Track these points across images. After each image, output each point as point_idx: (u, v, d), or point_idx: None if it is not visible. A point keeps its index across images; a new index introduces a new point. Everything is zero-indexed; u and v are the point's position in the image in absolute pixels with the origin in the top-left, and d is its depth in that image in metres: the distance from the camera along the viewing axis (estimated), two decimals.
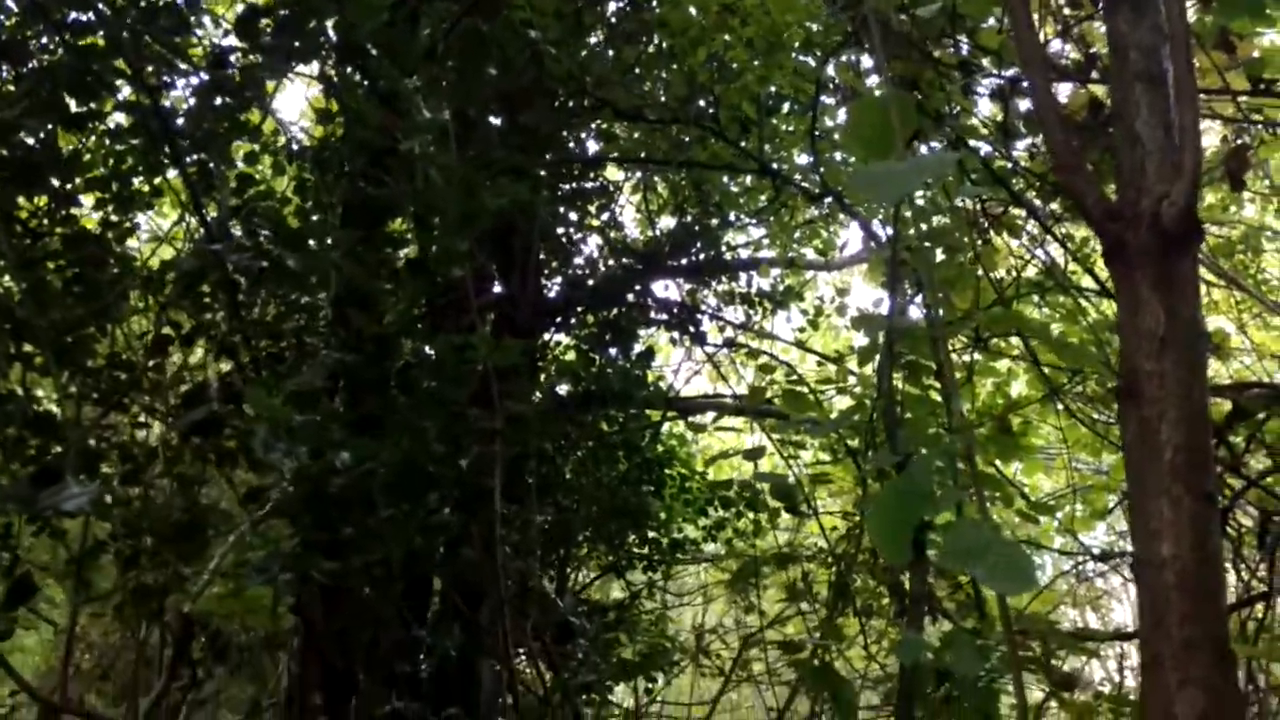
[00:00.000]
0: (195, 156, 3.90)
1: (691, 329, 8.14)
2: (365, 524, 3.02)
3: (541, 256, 7.72)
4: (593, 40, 6.27)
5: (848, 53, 5.35)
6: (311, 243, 3.03)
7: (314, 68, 4.54)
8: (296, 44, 4.08)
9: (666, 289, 8.41)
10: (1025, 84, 4.27)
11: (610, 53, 6.62)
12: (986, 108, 5.41)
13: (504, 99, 4.71)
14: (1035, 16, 4.21)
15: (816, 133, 5.43)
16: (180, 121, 4.17)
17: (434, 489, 3.19)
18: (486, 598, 3.93)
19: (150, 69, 3.84)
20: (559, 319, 7.90)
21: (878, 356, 4.79)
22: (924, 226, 4.86)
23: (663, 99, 6.42)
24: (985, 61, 4.42)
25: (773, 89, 6.79)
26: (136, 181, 4.56)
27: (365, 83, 3.71)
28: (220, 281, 3.09)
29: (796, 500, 3.41)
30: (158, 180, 4.53)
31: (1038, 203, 5.14)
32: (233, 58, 4.05)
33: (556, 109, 6.05)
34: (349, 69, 4.03)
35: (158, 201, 5.42)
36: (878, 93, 6.35)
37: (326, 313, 3.25)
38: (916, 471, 3.24)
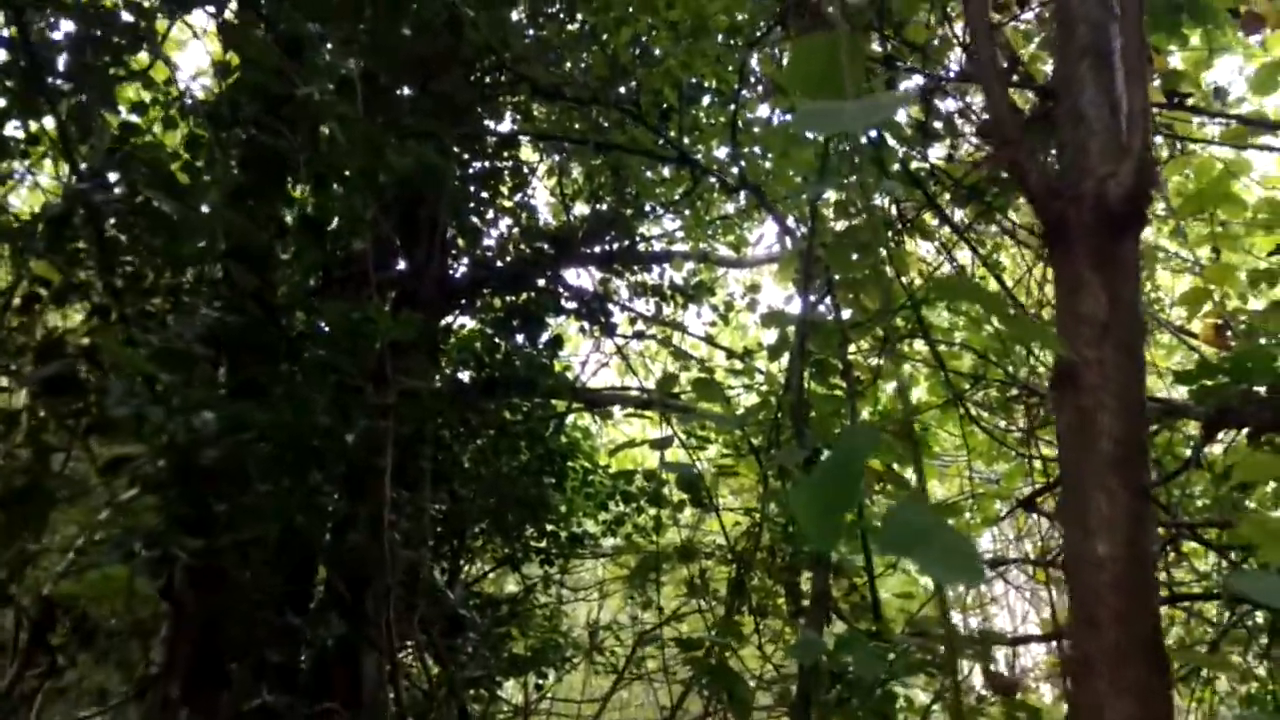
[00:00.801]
0: (73, 99, 3.59)
1: (602, 319, 7.99)
2: (239, 500, 2.78)
3: (449, 234, 7.48)
4: (514, 15, 6.07)
5: (771, 43, 5.28)
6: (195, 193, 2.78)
7: (211, 12, 4.24)
8: None
9: (578, 277, 8.26)
10: (948, 84, 4.23)
11: (530, 30, 6.43)
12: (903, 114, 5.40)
13: (418, 64, 4.49)
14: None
15: (738, 123, 5.33)
16: (61, 62, 3.85)
17: (318, 465, 2.96)
18: (372, 586, 3.70)
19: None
20: (464, 301, 7.67)
21: (787, 354, 4.73)
22: (839, 224, 4.81)
23: (583, 80, 6.26)
24: (910, 61, 4.37)
25: (695, 79, 6.70)
26: (10, 128, 4.19)
27: (265, 28, 3.47)
28: (89, 229, 2.81)
29: (700, 491, 3.29)
30: (34, 127, 4.18)
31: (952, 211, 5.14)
32: None
33: (473, 81, 5.84)
34: (250, 11, 3.76)
35: (34, 150, 5.02)
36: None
37: (208, 270, 2.99)
38: (845, 457, 3.18)
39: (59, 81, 3.61)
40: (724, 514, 7.01)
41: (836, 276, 4.84)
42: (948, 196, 5.11)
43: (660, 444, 4.42)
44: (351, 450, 2.99)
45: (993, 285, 5.18)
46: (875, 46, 4.32)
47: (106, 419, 2.56)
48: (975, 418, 5.17)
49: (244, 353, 2.95)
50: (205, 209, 2.78)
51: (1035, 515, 7.64)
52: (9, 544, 2.87)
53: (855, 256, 5.03)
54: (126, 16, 3.86)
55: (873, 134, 4.58)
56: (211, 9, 3.88)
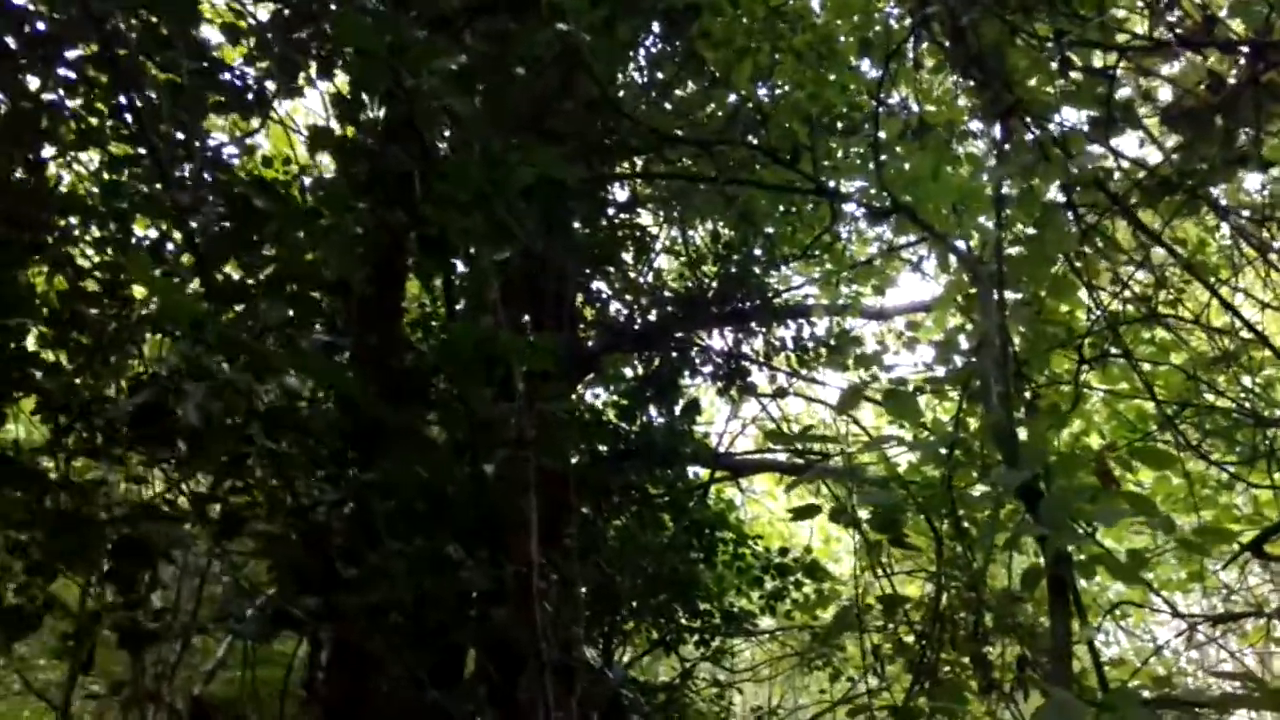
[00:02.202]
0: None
1: (740, 380, 7.54)
2: (365, 559, 2.42)
3: (576, 302, 7.21)
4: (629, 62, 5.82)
5: (912, 48, 4.83)
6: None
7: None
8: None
9: (711, 337, 7.84)
10: (1132, 56, 3.71)
11: (646, 75, 6.18)
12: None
13: (530, 103, 4.24)
14: None
15: (880, 140, 4.88)
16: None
17: (452, 519, 2.57)
18: (525, 665, 3.27)
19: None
20: (595, 371, 7.34)
21: (972, 380, 4.16)
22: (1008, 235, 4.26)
23: (705, 121, 5.94)
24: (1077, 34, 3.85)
25: (826, 112, 6.31)
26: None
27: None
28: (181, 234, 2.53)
29: (902, 529, 2.76)
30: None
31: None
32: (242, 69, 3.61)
33: (589, 129, 5.58)
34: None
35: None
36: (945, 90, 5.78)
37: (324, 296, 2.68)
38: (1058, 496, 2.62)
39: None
40: (897, 578, 6.34)
41: (1017, 295, 4.28)
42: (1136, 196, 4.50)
43: (804, 513, 3.86)
44: (489, 493, 2.60)
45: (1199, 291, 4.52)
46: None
47: (199, 451, 2.27)
48: (1192, 446, 4.45)
49: (366, 384, 2.63)
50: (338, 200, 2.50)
51: (1259, 563, 6.67)
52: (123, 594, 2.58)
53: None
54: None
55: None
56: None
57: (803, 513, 2.80)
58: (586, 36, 3.89)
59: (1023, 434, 3.26)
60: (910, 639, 4.76)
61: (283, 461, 2.47)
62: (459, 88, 2.45)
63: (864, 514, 4.32)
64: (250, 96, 3.57)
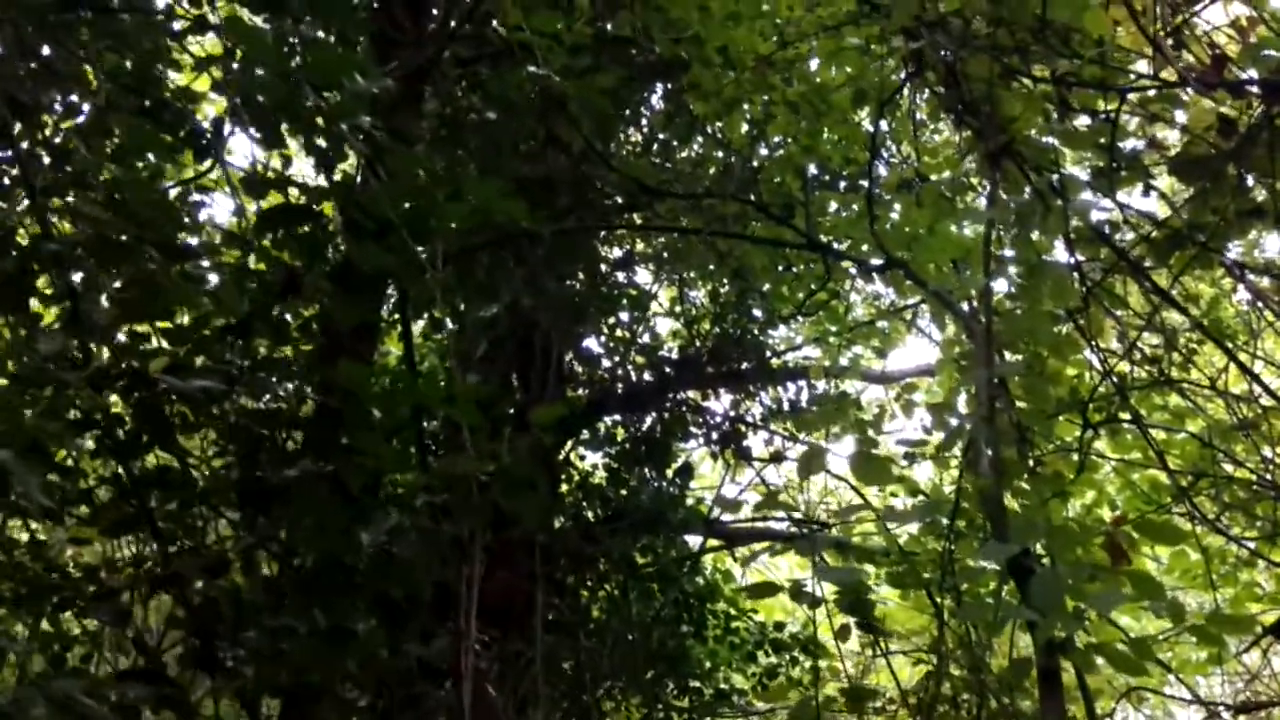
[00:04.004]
0: None
1: (735, 444, 7.23)
2: (243, 638, 2.11)
3: (565, 361, 6.97)
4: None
5: (909, 97, 4.63)
6: None
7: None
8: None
9: (706, 399, 7.55)
10: (1138, 94, 3.47)
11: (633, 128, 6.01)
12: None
13: (505, 147, 4.04)
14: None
15: (874, 196, 4.65)
16: None
17: (356, 588, 2.26)
18: None
19: None
20: (584, 431, 7.07)
21: (958, 449, 3.87)
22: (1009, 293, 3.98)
23: (695, 173, 5.74)
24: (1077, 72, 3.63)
25: (819, 166, 6.11)
26: None
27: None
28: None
29: (870, 610, 2.45)
30: None
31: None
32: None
33: (575, 182, 5.38)
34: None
35: None
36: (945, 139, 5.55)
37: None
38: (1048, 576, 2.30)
39: None
40: (895, 657, 5.97)
41: (1015, 356, 3.99)
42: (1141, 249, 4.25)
43: (803, 595, 3.55)
44: (392, 561, 2.29)
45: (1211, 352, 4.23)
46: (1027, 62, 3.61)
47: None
48: (1208, 519, 4.12)
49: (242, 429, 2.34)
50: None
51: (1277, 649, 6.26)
52: None
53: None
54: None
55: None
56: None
57: (760, 591, 2.49)
58: (558, 79, 3.68)
59: (1019, 504, 2.95)
60: None
61: (168, 527, 2.20)
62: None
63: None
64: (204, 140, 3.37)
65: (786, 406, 7.28)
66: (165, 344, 2.26)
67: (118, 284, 2.17)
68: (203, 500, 2.32)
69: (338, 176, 2.90)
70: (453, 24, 4.61)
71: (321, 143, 3.14)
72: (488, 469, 2.10)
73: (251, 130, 2.68)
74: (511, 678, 4.45)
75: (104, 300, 2.17)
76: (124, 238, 2.13)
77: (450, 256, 5.65)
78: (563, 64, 3.74)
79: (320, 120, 2.20)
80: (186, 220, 2.83)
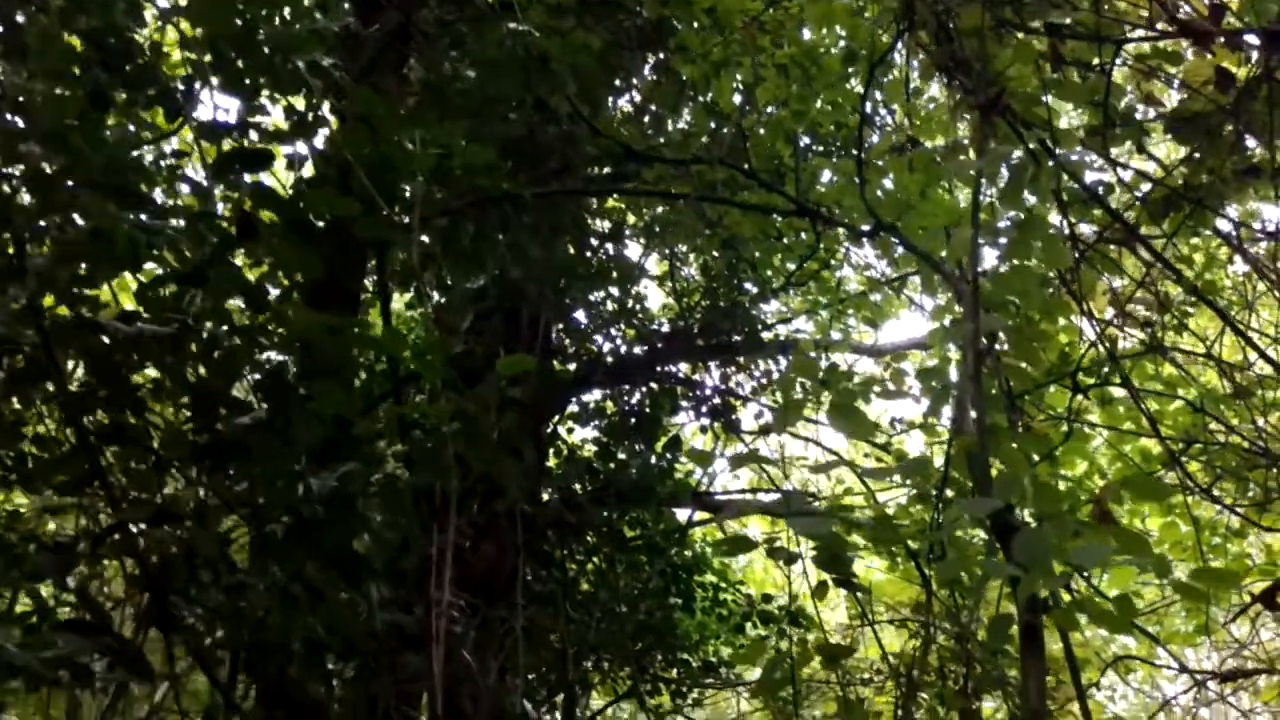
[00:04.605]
0: None
1: (724, 416, 7.16)
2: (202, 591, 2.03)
3: (555, 332, 6.88)
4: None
5: (903, 58, 4.52)
6: None
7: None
8: None
9: (695, 372, 7.48)
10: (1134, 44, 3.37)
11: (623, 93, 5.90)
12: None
13: (480, 106, 3.94)
14: None
15: (863, 160, 4.55)
16: None
17: (315, 545, 2.17)
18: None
19: None
20: (573, 404, 6.99)
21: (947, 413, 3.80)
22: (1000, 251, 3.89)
23: (683, 140, 5.63)
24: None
25: (809, 131, 6.01)
26: None
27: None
28: None
29: (849, 567, 2.38)
30: None
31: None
32: None
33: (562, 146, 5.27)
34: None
35: None
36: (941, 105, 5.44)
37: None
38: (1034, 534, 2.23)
39: None
40: (884, 630, 5.92)
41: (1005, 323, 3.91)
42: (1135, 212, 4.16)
43: (778, 551, 3.48)
44: (355, 518, 2.21)
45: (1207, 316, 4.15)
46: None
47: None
48: (1199, 487, 4.05)
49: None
50: None
51: (1265, 618, 6.23)
52: None
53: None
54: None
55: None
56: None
57: (734, 546, 2.42)
58: (539, 35, 3.58)
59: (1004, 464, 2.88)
60: (868, 694, 4.34)
61: (117, 481, 2.11)
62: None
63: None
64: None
65: (777, 379, 7.20)
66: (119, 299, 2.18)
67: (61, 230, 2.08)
68: (157, 455, 2.24)
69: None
70: None
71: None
72: (446, 421, 2.02)
73: (213, 79, 2.58)
74: (492, 647, 4.38)
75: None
76: (70, 182, 2.04)
77: (432, 223, 5.55)
78: (542, 21, 3.63)
79: (278, 59, 2.11)
80: (152, 171, 2.72)
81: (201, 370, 2.19)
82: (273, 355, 2.25)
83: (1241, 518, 4.29)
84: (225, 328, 2.16)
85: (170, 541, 2.18)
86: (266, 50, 2.08)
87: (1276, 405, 4.45)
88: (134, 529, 2.17)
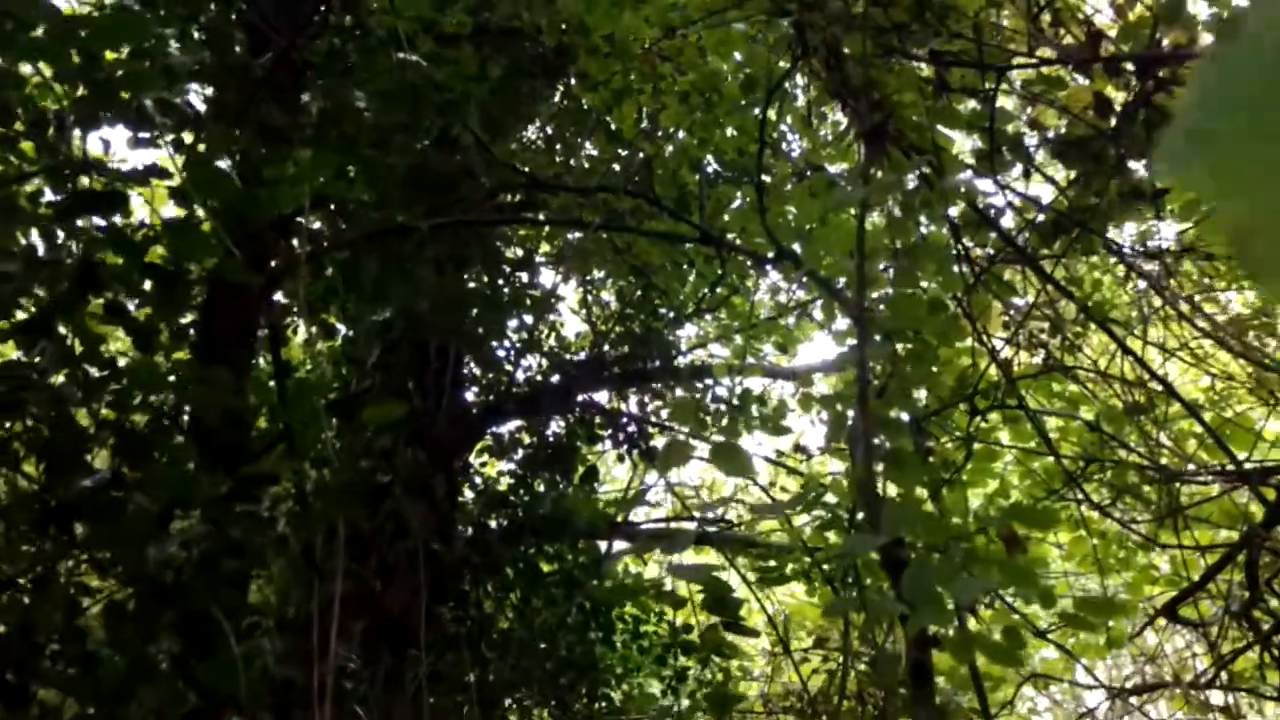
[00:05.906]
0: None
1: (641, 444, 7.10)
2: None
3: (464, 364, 6.75)
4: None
5: (800, 86, 4.54)
6: None
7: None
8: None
9: (612, 401, 7.41)
10: (1015, 74, 3.42)
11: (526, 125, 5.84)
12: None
13: (372, 131, 3.84)
14: None
15: (764, 184, 4.55)
16: None
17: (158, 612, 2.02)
18: None
19: None
20: (486, 437, 6.86)
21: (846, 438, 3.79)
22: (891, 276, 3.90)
23: (586, 167, 5.59)
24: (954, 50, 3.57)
25: (713, 160, 6.01)
26: None
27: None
28: None
29: (735, 609, 2.32)
30: None
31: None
32: None
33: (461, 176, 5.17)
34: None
35: None
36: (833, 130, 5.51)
37: None
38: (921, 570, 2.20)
39: None
40: (801, 659, 5.90)
41: (900, 346, 3.92)
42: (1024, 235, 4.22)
43: (666, 595, 3.40)
44: (218, 578, 2.05)
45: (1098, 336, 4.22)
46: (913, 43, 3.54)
47: None
48: (1096, 505, 4.10)
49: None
50: None
51: (1177, 626, 6.34)
52: None
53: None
54: None
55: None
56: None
57: (620, 593, 2.35)
58: (428, 66, 3.50)
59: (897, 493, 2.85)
60: None
61: None
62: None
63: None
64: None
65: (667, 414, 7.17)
66: None
67: None
68: (3, 517, 2.08)
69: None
70: (322, 10, 4.39)
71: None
72: (301, 469, 1.91)
73: (68, 114, 2.45)
74: (401, 695, 4.23)
75: None
76: None
77: (333, 254, 5.39)
78: (430, 50, 3.55)
79: (124, 94, 1.99)
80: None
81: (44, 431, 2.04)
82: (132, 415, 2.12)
83: (1139, 535, 4.35)
84: (74, 383, 2.02)
85: (13, 609, 2.02)
86: (109, 87, 1.96)
87: (1171, 421, 4.54)
88: None
